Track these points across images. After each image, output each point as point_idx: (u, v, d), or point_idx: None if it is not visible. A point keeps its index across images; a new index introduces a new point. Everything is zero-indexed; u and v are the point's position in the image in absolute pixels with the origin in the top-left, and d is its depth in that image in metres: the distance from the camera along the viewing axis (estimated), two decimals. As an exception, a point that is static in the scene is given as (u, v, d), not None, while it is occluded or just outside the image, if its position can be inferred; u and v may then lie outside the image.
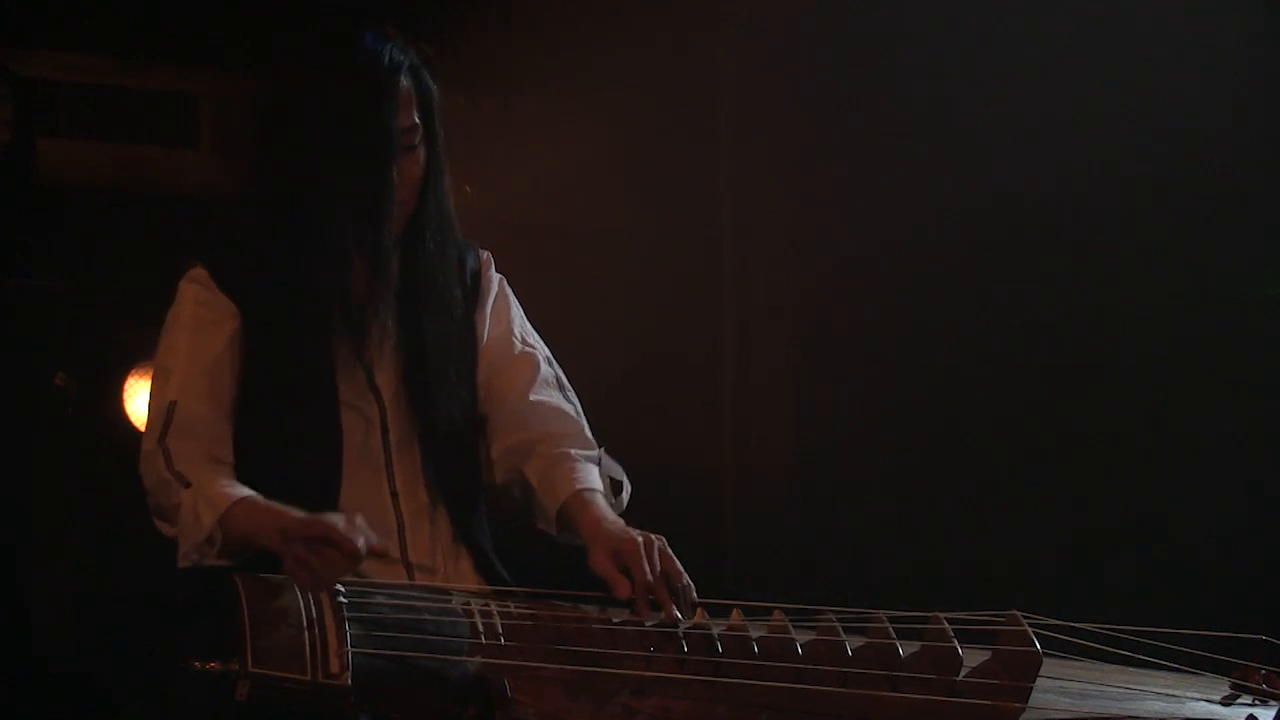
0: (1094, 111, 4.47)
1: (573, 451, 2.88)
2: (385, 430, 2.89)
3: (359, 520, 2.53)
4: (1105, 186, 4.50)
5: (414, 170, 2.83)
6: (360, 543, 2.50)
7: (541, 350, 3.02)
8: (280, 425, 2.83)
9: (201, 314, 2.84)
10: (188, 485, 2.70)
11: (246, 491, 2.69)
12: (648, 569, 2.66)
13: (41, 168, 4.80)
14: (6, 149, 4.71)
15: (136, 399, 4.55)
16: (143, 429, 2.86)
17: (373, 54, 2.77)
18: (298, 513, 2.57)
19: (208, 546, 2.66)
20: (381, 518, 2.85)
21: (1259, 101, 4.28)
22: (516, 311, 3.03)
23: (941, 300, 4.79)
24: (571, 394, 3.00)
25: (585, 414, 3.00)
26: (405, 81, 2.78)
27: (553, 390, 2.98)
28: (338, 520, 2.52)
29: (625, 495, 2.91)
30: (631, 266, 5.04)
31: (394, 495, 2.88)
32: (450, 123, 2.88)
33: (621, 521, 2.78)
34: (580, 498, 2.81)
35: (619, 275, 5.03)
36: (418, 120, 2.81)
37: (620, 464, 2.97)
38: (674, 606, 2.65)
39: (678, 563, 2.70)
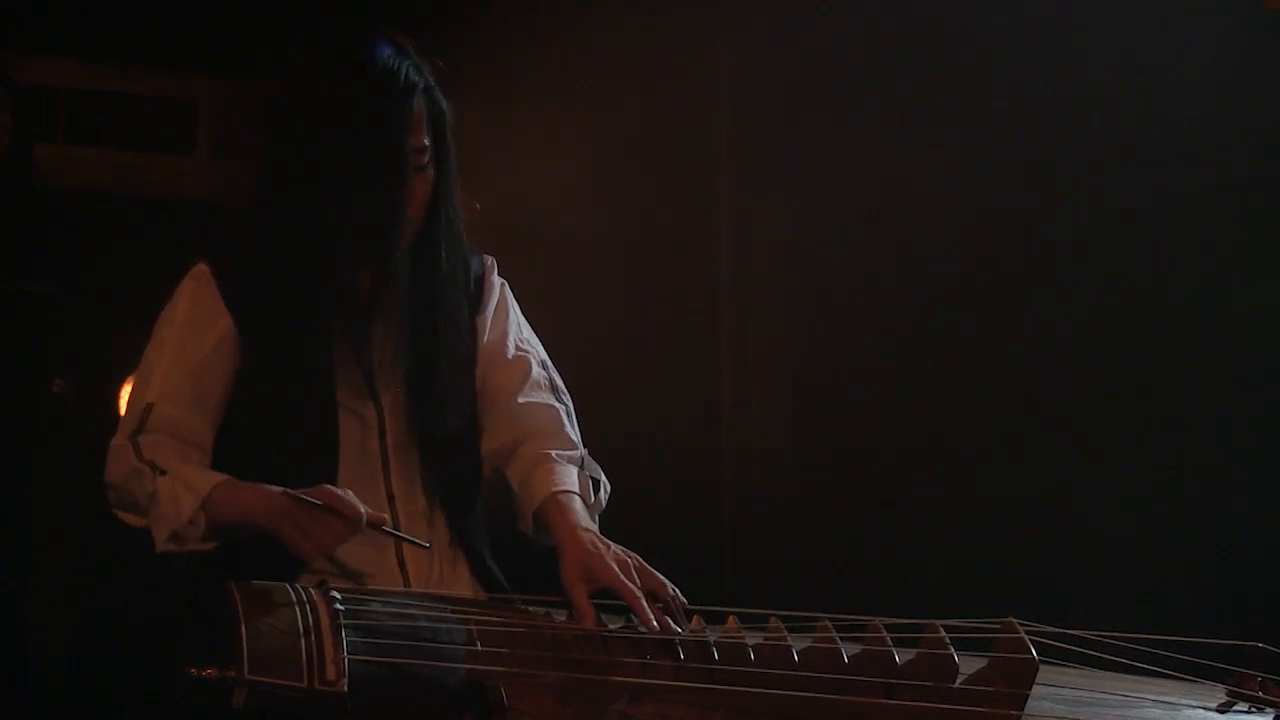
0: (1098, 109, 4.46)
1: (553, 453, 2.89)
2: (382, 434, 2.89)
3: (350, 494, 2.62)
4: (1108, 184, 4.49)
5: (423, 190, 2.83)
6: (362, 509, 2.58)
7: (536, 354, 3.03)
8: (277, 427, 2.83)
9: (194, 313, 2.85)
10: (163, 472, 2.71)
11: (224, 475, 2.72)
12: (636, 592, 2.66)
13: (40, 173, 4.81)
14: (5, 155, 4.72)
15: (129, 395, 4.55)
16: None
17: (388, 75, 2.76)
18: (282, 490, 2.62)
19: (190, 529, 2.67)
20: (377, 520, 2.87)
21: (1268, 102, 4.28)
22: (515, 316, 3.04)
23: (941, 307, 4.78)
24: (564, 396, 3.01)
25: (583, 421, 3.01)
26: (419, 103, 2.79)
27: (543, 392, 2.99)
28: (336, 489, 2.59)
29: (604, 495, 2.91)
30: (628, 269, 5.04)
31: (391, 498, 2.88)
32: (460, 139, 2.89)
33: (596, 529, 2.79)
34: (556, 500, 2.82)
35: (616, 277, 5.03)
36: (428, 142, 2.81)
37: (618, 470, 2.97)
38: (669, 621, 2.65)
39: (659, 575, 2.71)
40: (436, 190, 2.85)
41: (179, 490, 2.69)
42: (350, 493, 2.63)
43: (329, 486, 2.63)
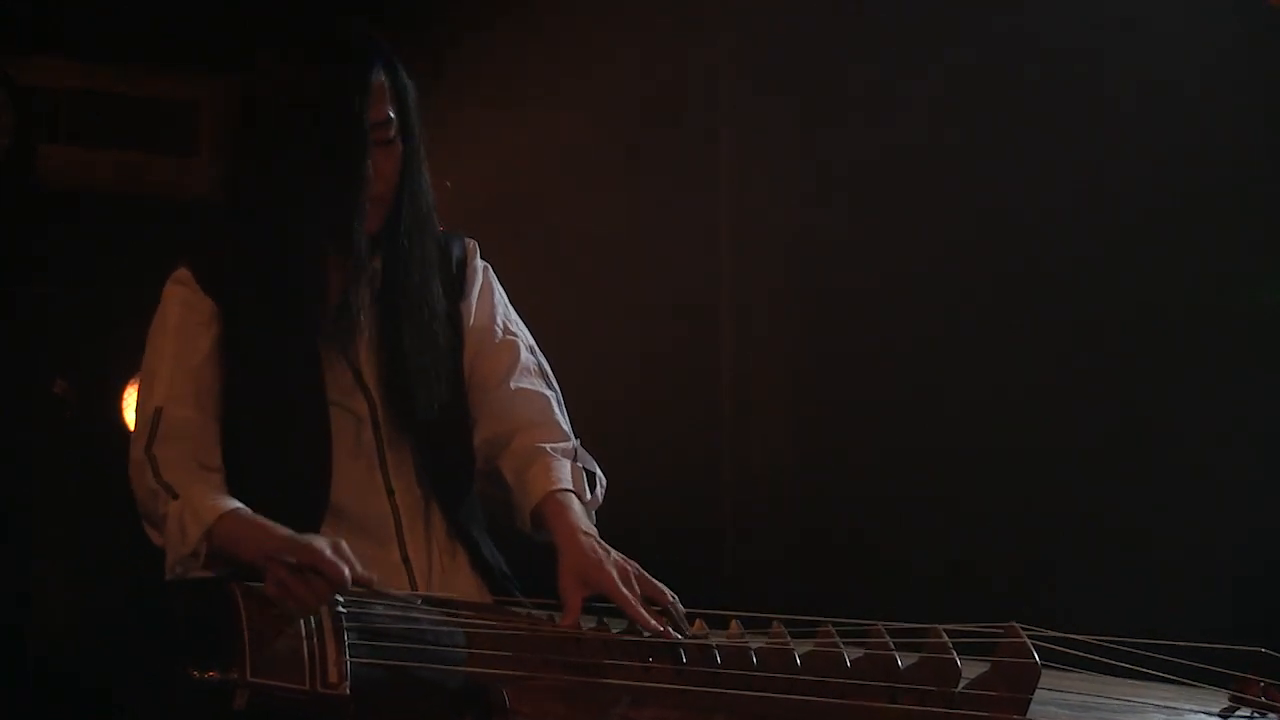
0: (1100, 107, 4.46)
1: (548, 446, 2.87)
2: (376, 426, 2.88)
3: (345, 547, 2.53)
4: (1109, 184, 4.48)
5: (390, 165, 2.80)
6: (346, 572, 2.50)
7: (524, 338, 3.01)
8: (268, 426, 2.82)
9: (186, 316, 2.83)
10: (175, 497, 2.70)
11: (234, 504, 2.69)
12: (631, 599, 2.66)
13: (41, 174, 4.81)
14: (6, 155, 4.73)
15: (135, 406, 4.55)
16: (137, 435, 2.85)
17: (343, 47, 2.76)
18: (284, 531, 2.58)
19: (193, 560, 2.66)
20: (378, 513, 2.86)
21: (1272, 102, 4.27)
22: (500, 299, 3.02)
23: (943, 309, 4.78)
24: (554, 382, 2.99)
25: (582, 424, 3.00)
26: (380, 76, 2.77)
27: (534, 378, 2.97)
28: (325, 545, 2.52)
29: (600, 491, 2.89)
30: (628, 267, 5.04)
31: (389, 491, 2.87)
32: (428, 119, 2.86)
33: (595, 532, 2.77)
34: (555, 500, 2.80)
35: (616, 277, 5.03)
36: (392, 115, 2.79)
37: (618, 474, 2.96)
38: (669, 629, 2.65)
39: (657, 583, 2.70)
40: (404, 165, 2.83)
41: (186, 518, 2.68)
42: (344, 546, 2.54)
43: (319, 543, 2.53)
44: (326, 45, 2.77)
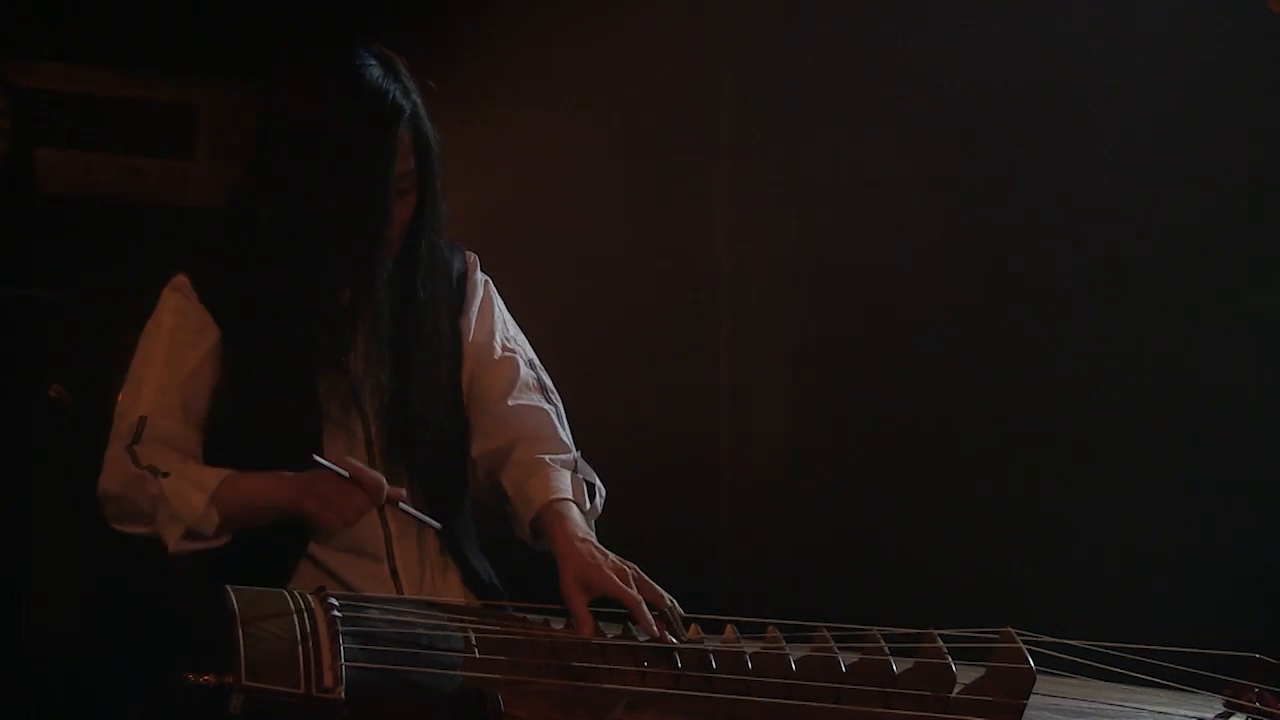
0: (1099, 110, 4.47)
1: (547, 458, 2.89)
2: (369, 444, 2.90)
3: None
4: (1115, 189, 4.49)
5: (405, 213, 2.84)
6: (383, 481, 2.67)
7: (523, 353, 3.02)
8: (260, 437, 2.83)
9: (180, 324, 2.85)
10: (165, 474, 2.73)
11: (228, 470, 2.75)
12: (634, 595, 2.66)
13: (39, 178, 4.81)
14: (5, 159, 4.73)
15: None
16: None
17: (375, 101, 2.76)
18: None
19: (203, 524, 2.68)
20: (369, 529, 2.87)
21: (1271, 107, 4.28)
22: (500, 314, 3.04)
23: (941, 314, 4.79)
24: (554, 396, 3.01)
25: (580, 430, 3.00)
26: (404, 130, 2.79)
27: (533, 393, 2.99)
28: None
29: (599, 501, 2.92)
30: (630, 271, 5.04)
31: (380, 507, 2.88)
32: (442, 168, 2.88)
33: (594, 538, 2.78)
34: (553, 509, 2.82)
35: (614, 281, 5.03)
36: (413, 166, 2.81)
37: (615, 480, 2.97)
38: (666, 632, 2.65)
39: (656, 586, 2.70)
40: (418, 215, 2.85)
41: (186, 487, 2.71)
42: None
43: (350, 459, 2.70)
44: (357, 94, 2.77)
